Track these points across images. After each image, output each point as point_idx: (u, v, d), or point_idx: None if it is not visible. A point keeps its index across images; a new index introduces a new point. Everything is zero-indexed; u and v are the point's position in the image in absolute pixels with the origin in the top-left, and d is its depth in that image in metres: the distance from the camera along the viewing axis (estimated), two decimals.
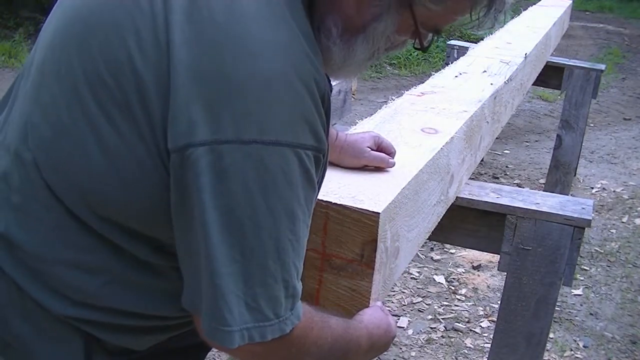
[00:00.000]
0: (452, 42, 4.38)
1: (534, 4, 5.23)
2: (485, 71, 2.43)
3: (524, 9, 4.70)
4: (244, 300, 0.86)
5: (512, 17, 4.20)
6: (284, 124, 0.84)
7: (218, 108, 0.82)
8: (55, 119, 0.92)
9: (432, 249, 3.69)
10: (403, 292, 3.26)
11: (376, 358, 2.72)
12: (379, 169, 1.40)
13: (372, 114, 1.80)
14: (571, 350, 2.89)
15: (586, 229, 1.82)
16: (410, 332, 2.93)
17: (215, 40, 0.84)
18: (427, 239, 1.64)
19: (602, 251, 3.86)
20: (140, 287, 0.97)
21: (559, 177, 4.28)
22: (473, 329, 2.99)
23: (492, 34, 3.46)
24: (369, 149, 1.38)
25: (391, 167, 1.40)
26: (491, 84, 2.22)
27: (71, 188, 0.92)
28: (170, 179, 0.87)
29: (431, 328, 2.98)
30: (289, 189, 0.86)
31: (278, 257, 0.87)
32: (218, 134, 0.82)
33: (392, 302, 3.15)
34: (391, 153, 1.41)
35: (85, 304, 0.96)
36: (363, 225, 1.19)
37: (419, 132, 1.66)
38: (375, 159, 1.38)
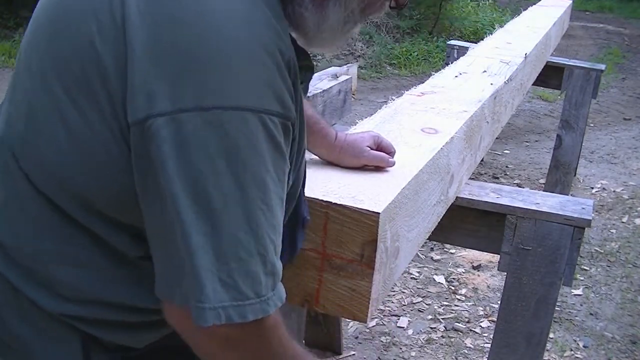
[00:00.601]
0: (452, 42, 4.38)
1: (534, 4, 5.23)
2: (485, 71, 2.43)
3: (524, 9, 4.70)
4: (218, 276, 0.82)
5: (512, 17, 4.20)
6: (245, 89, 0.83)
7: (176, 79, 0.82)
8: (27, 110, 0.93)
9: (432, 249, 3.69)
10: (403, 292, 3.26)
11: (376, 358, 2.72)
12: (379, 168, 1.40)
13: (372, 114, 1.80)
14: (571, 350, 2.89)
15: (586, 229, 1.82)
16: (410, 332, 2.93)
17: (171, 13, 0.84)
18: (427, 239, 1.64)
19: (602, 251, 3.86)
20: (127, 279, 0.96)
21: (559, 177, 4.28)
22: (473, 329, 2.99)
23: (492, 33, 3.46)
24: (369, 149, 1.38)
25: (391, 166, 1.40)
26: (491, 84, 2.22)
27: (48, 178, 0.92)
28: (132, 156, 0.85)
29: (431, 328, 2.98)
30: (255, 155, 0.83)
31: (250, 228, 0.84)
32: (178, 103, 0.81)
33: (392, 302, 3.15)
34: (391, 153, 1.41)
35: (77, 299, 0.96)
36: (363, 225, 1.19)
37: (419, 132, 1.66)
38: (375, 158, 1.38)
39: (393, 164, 1.40)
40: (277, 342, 0.93)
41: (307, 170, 1.37)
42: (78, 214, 0.92)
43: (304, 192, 1.17)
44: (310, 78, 1.07)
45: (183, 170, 0.81)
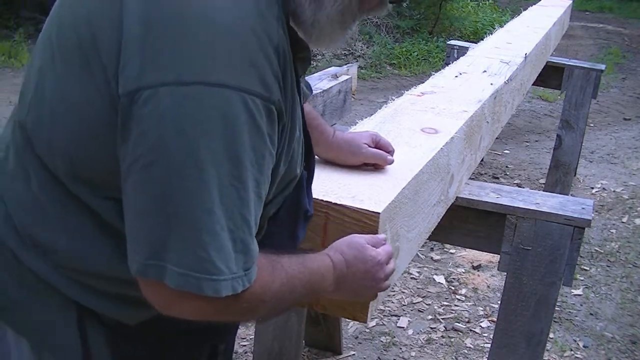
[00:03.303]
0: (452, 42, 4.38)
1: (534, 4, 5.23)
2: (485, 71, 2.43)
3: (524, 9, 4.71)
4: (191, 246, 0.83)
5: (512, 17, 4.20)
6: (228, 67, 0.84)
7: (162, 54, 0.84)
8: (35, 84, 0.97)
9: (432, 249, 3.69)
10: (403, 292, 3.26)
11: (376, 358, 2.72)
12: (377, 167, 1.40)
13: (372, 114, 1.80)
14: (571, 350, 2.89)
15: (586, 229, 1.82)
16: (410, 332, 2.93)
17: None
18: (427, 239, 1.64)
19: (602, 251, 3.86)
20: (115, 250, 0.96)
21: (559, 177, 4.28)
22: (473, 329, 2.99)
23: (492, 33, 3.46)
24: (367, 146, 1.38)
25: (390, 164, 1.40)
26: (491, 84, 2.22)
27: (47, 147, 0.95)
28: (119, 126, 0.87)
29: (431, 328, 2.98)
30: (231, 132, 0.84)
31: (221, 203, 0.84)
32: (161, 77, 0.83)
33: (392, 302, 3.15)
34: (390, 151, 1.41)
35: (71, 269, 0.98)
36: (363, 225, 1.19)
37: (419, 132, 1.66)
38: (373, 156, 1.38)
39: (392, 161, 1.40)
40: (258, 302, 0.94)
41: None
42: (69, 182, 0.94)
43: (308, 186, 1.18)
44: (306, 69, 1.07)
45: (159, 144, 0.83)
